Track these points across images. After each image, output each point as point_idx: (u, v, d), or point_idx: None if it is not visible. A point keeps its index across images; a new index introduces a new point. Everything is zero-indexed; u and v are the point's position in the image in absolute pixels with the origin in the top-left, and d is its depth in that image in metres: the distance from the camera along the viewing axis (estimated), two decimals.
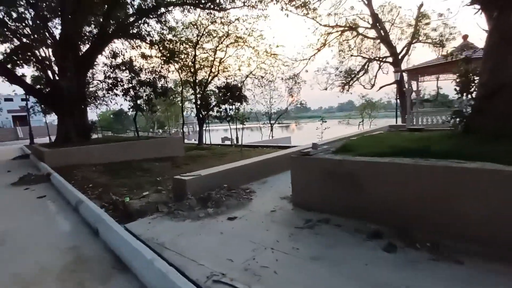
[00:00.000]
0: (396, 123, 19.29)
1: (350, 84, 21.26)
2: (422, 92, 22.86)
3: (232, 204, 4.53)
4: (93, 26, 14.82)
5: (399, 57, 20.10)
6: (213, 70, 21.65)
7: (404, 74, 19.45)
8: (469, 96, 4.91)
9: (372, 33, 20.97)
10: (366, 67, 21.02)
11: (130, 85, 14.79)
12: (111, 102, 15.82)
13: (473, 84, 4.83)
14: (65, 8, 11.73)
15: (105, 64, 14.78)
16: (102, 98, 20.76)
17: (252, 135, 45.13)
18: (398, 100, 21.13)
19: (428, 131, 6.99)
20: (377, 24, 20.18)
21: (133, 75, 14.75)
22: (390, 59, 20.87)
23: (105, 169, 9.98)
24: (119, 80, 14.80)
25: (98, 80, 16.51)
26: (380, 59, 20.91)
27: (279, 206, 4.45)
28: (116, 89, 14.83)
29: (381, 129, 14.81)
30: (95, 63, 18.29)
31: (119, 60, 15.17)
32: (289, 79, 30.96)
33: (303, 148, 4.73)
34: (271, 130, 36.33)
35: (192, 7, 18.51)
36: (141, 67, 15.56)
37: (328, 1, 19.85)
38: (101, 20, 13.84)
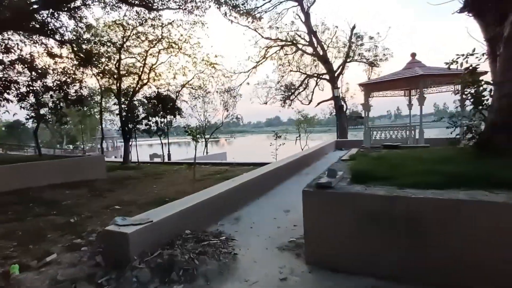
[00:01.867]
0: (338, 138, 19.62)
1: (291, 99, 21.17)
2: (351, 108, 24.31)
3: (211, 270, 2.77)
4: None
5: (335, 74, 20.86)
6: (142, 77, 18.91)
7: (336, 91, 20.15)
8: (477, 108, 4.27)
9: (310, 50, 21.45)
10: (306, 82, 21.28)
11: (29, 88, 11.27)
12: None
13: (484, 96, 4.22)
14: None
15: None
16: None
17: (180, 151, 42.08)
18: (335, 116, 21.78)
19: (409, 148, 6.42)
20: (315, 42, 20.68)
21: (35, 75, 11.27)
22: (327, 76, 21.54)
23: None
24: (12, 81, 11.13)
25: None
26: (318, 75, 21.42)
27: (287, 267, 2.88)
28: (8, 93, 11.10)
29: (331, 145, 14.62)
30: None
31: (14, 56, 11.49)
32: (225, 92, 29.89)
33: (317, 178, 3.29)
34: (206, 145, 34.19)
35: (116, 2, 15.85)
36: (47, 67, 12.10)
37: (268, 14, 19.43)
38: None
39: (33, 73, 11.20)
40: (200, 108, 32.78)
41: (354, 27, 20.71)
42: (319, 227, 2.84)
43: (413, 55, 10.13)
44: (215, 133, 37.25)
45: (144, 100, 19.77)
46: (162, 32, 17.81)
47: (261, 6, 18.10)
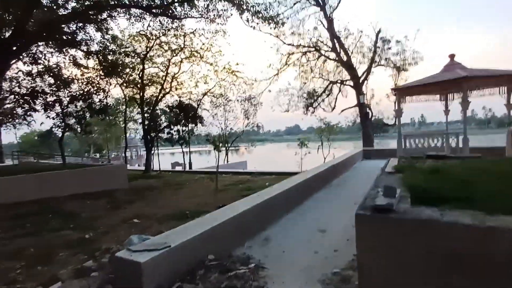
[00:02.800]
0: (364, 146, 18.68)
1: (314, 106, 20.48)
2: (377, 115, 23.16)
3: None
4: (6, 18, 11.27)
5: (360, 80, 19.99)
6: (164, 86, 18.98)
7: (362, 97, 19.24)
8: None
9: (333, 56, 20.78)
10: (329, 89, 20.54)
11: (56, 98, 11.42)
12: (25, 119, 12.00)
13: None
14: None
15: (20, 71, 11.22)
16: (22, 117, 16.53)
17: (201, 159, 42.06)
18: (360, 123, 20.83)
19: (458, 158, 5.61)
20: (338, 47, 20.01)
21: (60, 85, 11.42)
22: (351, 82, 20.71)
23: (3, 217, 6.66)
24: (39, 91, 11.31)
25: (11, 92, 12.58)
26: (342, 82, 20.64)
27: None
28: (34, 103, 11.28)
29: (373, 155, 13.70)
30: (9, 72, 14.36)
31: (40, 67, 11.71)
32: (246, 100, 29.67)
33: (371, 197, 2.68)
34: (226, 154, 33.98)
35: (140, 13, 16.06)
36: (73, 77, 12.27)
37: (290, 21, 19.05)
38: (18, 13, 10.57)
39: (59, 83, 11.35)
40: (220, 116, 32.83)
41: (379, 31, 19.86)
42: (378, 262, 2.22)
43: (452, 56, 9.25)
44: (235, 141, 37.11)
45: (166, 109, 19.82)
46: (184, 41, 17.84)
47: (283, 12, 17.77)
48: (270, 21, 14.37)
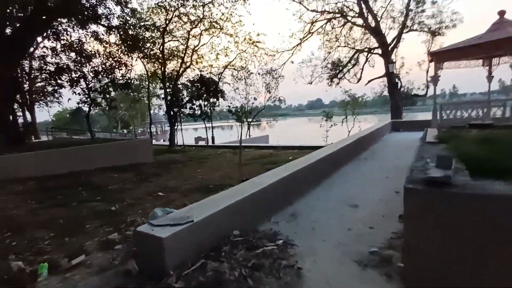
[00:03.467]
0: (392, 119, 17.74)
1: (339, 76, 19.44)
2: (407, 86, 21.71)
3: None
4: None
5: (389, 48, 18.58)
6: (185, 60, 18.68)
7: (391, 66, 17.97)
8: None
9: (360, 22, 19.31)
10: (355, 58, 19.31)
11: (80, 73, 11.53)
12: (54, 97, 12.29)
13: None
14: None
15: (45, 47, 11.32)
16: (53, 94, 17.07)
17: (224, 134, 42.24)
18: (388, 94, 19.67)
19: (505, 127, 4.99)
20: (366, 12, 18.50)
21: (84, 60, 11.47)
22: (379, 51, 19.31)
23: (37, 189, 6.93)
24: (64, 66, 11.44)
25: (40, 69, 12.85)
26: (369, 50, 19.29)
27: None
28: (60, 79, 11.47)
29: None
30: (34, 47, 14.60)
31: (63, 43, 11.75)
32: (267, 73, 28.82)
33: (419, 169, 2.31)
34: (248, 128, 33.80)
35: None
36: (96, 51, 12.28)
37: None
38: None
39: (82, 58, 11.40)
40: (242, 90, 32.33)
41: None
42: (429, 241, 1.91)
43: (502, 13, 8.11)
44: (257, 116, 36.64)
45: (188, 83, 19.66)
46: (203, 12, 17.20)
47: None
48: None
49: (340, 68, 19.60)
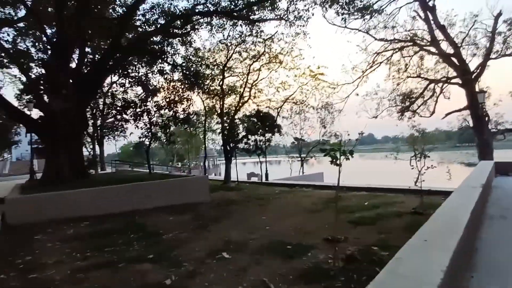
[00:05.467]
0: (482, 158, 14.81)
1: (414, 109, 17.24)
2: (493, 119, 18.39)
3: None
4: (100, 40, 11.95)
5: (473, 76, 16.08)
6: (243, 95, 18.40)
7: (481, 96, 15.38)
8: None
9: (433, 50, 17.32)
10: (433, 89, 17.09)
11: (144, 108, 11.56)
12: (117, 130, 12.47)
13: None
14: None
15: (114, 83, 11.68)
16: (120, 129, 17.88)
17: (274, 169, 40.83)
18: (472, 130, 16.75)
19: None
20: (442, 39, 16.55)
21: (149, 94, 11.53)
22: (457, 80, 16.85)
23: (87, 234, 6.19)
24: (130, 102, 11.59)
25: (109, 106, 13.38)
26: (447, 79, 16.95)
27: None
28: (126, 113, 11.60)
29: None
30: (107, 86, 15.51)
31: (131, 80, 12.07)
32: (322, 108, 27.54)
33: None
34: (302, 165, 32.16)
35: (221, 24, 15.83)
36: (160, 86, 12.40)
37: (380, 16, 16.46)
38: (113, 28, 10.98)
39: (147, 93, 11.47)
40: (295, 125, 31.32)
41: (500, 14, 15.77)
42: None
43: None
44: (311, 151, 34.89)
45: (244, 118, 19.21)
46: (265, 46, 16.99)
47: (373, 3, 15.40)
48: (362, 12, 12.34)
49: (412, 100, 17.44)
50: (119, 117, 11.57)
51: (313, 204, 9.62)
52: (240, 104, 18.93)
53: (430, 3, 16.46)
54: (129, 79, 11.48)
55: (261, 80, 18.58)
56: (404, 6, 16.77)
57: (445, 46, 17.02)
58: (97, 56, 12.26)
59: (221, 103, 18.71)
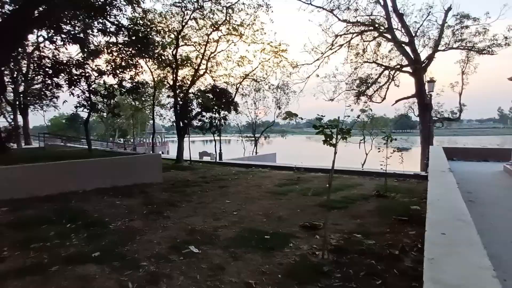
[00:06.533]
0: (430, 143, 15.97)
1: (370, 94, 17.75)
2: (438, 108, 20.09)
3: None
4: None
5: (422, 66, 17.03)
6: (200, 67, 16.97)
7: (431, 85, 16.44)
8: None
9: (389, 37, 17.83)
10: (388, 75, 17.70)
11: (81, 71, 9.58)
12: (46, 98, 10.26)
13: None
14: None
15: (40, 36, 9.37)
16: (50, 97, 15.14)
17: (226, 149, 40.04)
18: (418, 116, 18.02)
19: None
20: (399, 28, 17.07)
21: (88, 55, 9.55)
22: (408, 69, 17.75)
23: (5, 224, 4.80)
24: (64, 63, 9.50)
25: (34, 68, 10.88)
26: (400, 67, 17.71)
27: None
28: (57, 77, 9.50)
29: None
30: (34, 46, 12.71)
31: (65, 36, 9.84)
32: (277, 88, 27.25)
33: None
34: (255, 145, 31.96)
35: None
36: (103, 47, 10.34)
37: None
38: None
39: (85, 54, 9.49)
40: (250, 104, 30.67)
41: (450, 8, 16.72)
42: None
43: None
44: (263, 132, 34.71)
45: (199, 93, 17.86)
46: (226, 14, 15.63)
47: None
48: None
49: (369, 85, 17.95)
50: (49, 81, 9.38)
51: (277, 186, 9.21)
52: (196, 78, 17.45)
53: None
54: (62, 35, 9.31)
55: (219, 52, 17.26)
56: None
57: (399, 34, 17.65)
58: (13, 4, 9.74)
59: (174, 75, 17.00)
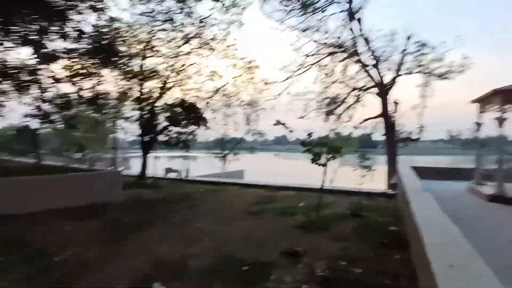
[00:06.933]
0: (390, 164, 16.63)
1: (339, 113, 18.17)
2: (401, 128, 21.11)
3: None
4: None
5: (385, 88, 17.92)
6: (169, 80, 16.33)
7: (396, 106, 17.30)
8: None
9: (355, 59, 18.68)
10: (357, 95, 18.32)
11: (33, 77, 8.49)
12: None
13: None
14: None
15: None
16: None
17: (192, 166, 38.73)
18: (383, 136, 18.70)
19: None
20: (367, 49, 17.94)
21: (41, 61, 8.52)
22: (374, 90, 18.58)
23: None
24: (12, 67, 8.33)
25: None
26: (366, 88, 18.46)
27: None
28: (3, 82, 8.30)
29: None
30: None
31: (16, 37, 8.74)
32: (247, 104, 27.22)
33: None
34: (224, 161, 31.31)
35: None
36: (59, 52, 9.32)
37: (311, 18, 16.78)
38: None
39: (41, 58, 8.48)
40: (220, 120, 30.17)
41: (410, 36, 17.94)
42: None
43: None
44: (232, 148, 34.19)
45: (167, 107, 17.10)
46: (198, 28, 15.34)
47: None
48: (303, 9, 12.13)
49: (338, 104, 18.41)
50: None
51: (250, 205, 8.72)
52: (164, 91, 16.68)
53: (356, 16, 17.60)
54: (12, 36, 8.22)
55: (190, 65, 16.76)
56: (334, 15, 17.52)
57: (365, 58, 18.52)
58: None
59: (140, 87, 16.11)
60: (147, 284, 3.18)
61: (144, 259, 4.02)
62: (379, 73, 17.70)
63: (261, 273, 3.62)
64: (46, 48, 8.62)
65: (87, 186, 7.95)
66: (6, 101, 10.07)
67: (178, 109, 17.09)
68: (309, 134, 3.19)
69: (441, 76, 16.15)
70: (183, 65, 16.51)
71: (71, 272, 3.48)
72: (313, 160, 3.17)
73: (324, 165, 3.16)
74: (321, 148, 3.16)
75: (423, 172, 11.70)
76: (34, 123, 11.57)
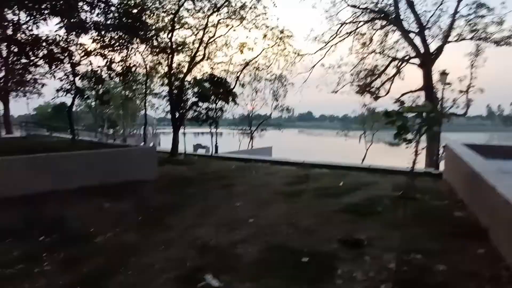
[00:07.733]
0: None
1: (377, 87, 16.80)
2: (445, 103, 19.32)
3: None
4: None
5: (431, 58, 16.16)
6: (198, 53, 15.70)
7: (444, 77, 15.67)
8: None
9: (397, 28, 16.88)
10: (397, 66, 16.76)
11: (65, 48, 8.19)
12: (28, 83, 8.88)
13: None
14: None
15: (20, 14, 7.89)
16: (33, 82, 13.77)
17: (221, 142, 38.72)
18: None
19: None
20: (407, 17, 16.12)
21: (72, 30, 8.13)
22: (416, 61, 16.85)
23: None
24: (42, 38, 8.07)
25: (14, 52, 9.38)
26: (409, 58, 16.78)
27: None
28: (35, 55, 8.10)
29: None
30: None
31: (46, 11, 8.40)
32: (275, 79, 26.09)
33: None
34: (251, 138, 30.87)
35: None
36: (88, 24, 8.93)
37: None
38: None
39: (71, 28, 8.11)
40: (247, 96, 29.36)
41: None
42: None
43: None
44: (244, 124, 33.28)
45: (196, 82, 16.60)
46: None
47: None
48: None
49: (376, 77, 16.99)
50: (24, 60, 7.96)
51: (286, 185, 8.21)
52: (192, 65, 16.13)
53: None
54: (41, 6, 7.86)
55: (218, 37, 15.96)
56: None
57: (406, 25, 16.71)
58: None
59: (169, 61, 15.64)
60: (197, 277, 2.77)
61: (188, 244, 3.65)
62: (424, 41, 15.95)
63: (324, 266, 3.11)
64: (75, 18, 8.26)
65: (122, 163, 7.78)
66: (40, 79, 10.14)
67: (207, 84, 16.55)
68: (401, 102, 2.49)
69: (499, 42, 14.17)
70: (212, 37, 15.77)
71: (114, 259, 3.16)
72: (397, 135, 2.49)
73: (410, 141, 2.46)
74: (409, 120, 2.45)
75: (480, 151, 10.54)
76: (69, 100, 11.65)
